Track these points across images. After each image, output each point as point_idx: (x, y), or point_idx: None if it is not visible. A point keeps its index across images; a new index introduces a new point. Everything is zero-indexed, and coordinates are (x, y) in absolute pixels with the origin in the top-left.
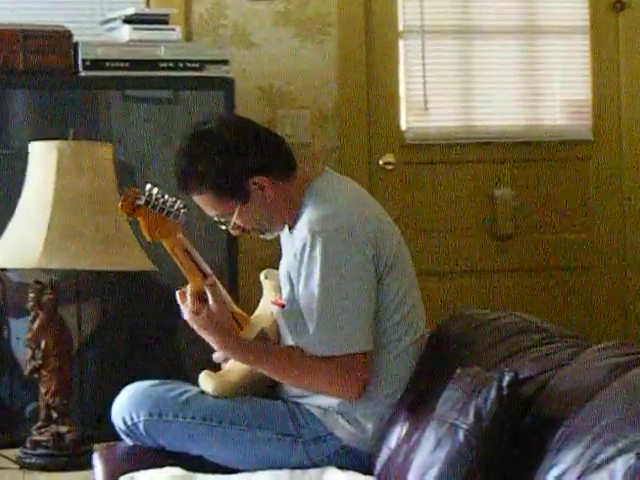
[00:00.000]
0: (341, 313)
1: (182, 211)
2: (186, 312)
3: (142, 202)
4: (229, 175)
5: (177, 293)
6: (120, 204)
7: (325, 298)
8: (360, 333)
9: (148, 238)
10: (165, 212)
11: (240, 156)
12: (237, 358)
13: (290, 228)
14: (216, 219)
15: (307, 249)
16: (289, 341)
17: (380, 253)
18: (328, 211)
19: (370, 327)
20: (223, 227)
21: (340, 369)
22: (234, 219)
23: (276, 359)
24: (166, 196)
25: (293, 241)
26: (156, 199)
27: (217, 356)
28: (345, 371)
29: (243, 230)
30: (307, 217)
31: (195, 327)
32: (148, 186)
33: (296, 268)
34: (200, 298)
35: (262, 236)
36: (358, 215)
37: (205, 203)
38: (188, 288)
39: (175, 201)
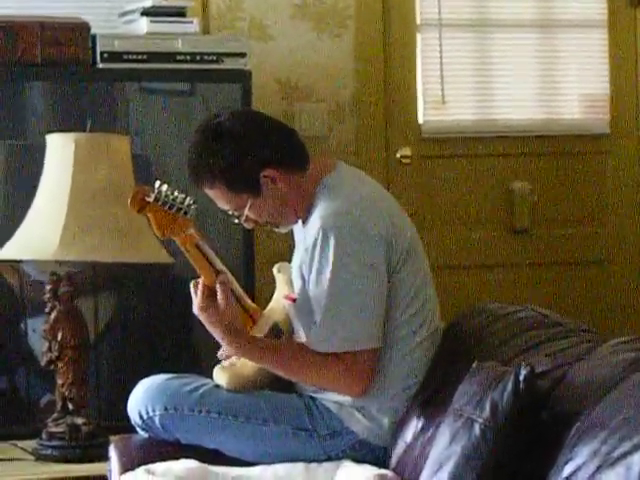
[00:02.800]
0: (348, 310)
1: (192, 207)
2: (194, 306)
3: (151, 199)
4: (240, 168)
5: (191, 283)
6: (129, 201)
7: (333, 294)
8: (366, 330)
9: (158, 235)
10: (175, 209)
11: (251, 149)
12: (243, 356)
13: (303, 222)
14: (229, 212)
15: (318, 245)
16: (301, 335)
17: (393, 248)
18: (340, 207)
19: (379, 324)
20: (236, 220)
21: (344, 366)
22: (246, 212)
23: (281, 357)
24: (176, 192)
25: (305, 235)
26: (166, 196)
27: (221, 353)
28: (349, 368)
29: (256, 223)
30: (319, 212)
31: (203, 321)
32: (157, 183)
33: (307, 263)
34: (212, 293)
35: (276, 229)
36: (371, 211)
37: (217, 197)
38: (201, 281)
39: (185, 197)
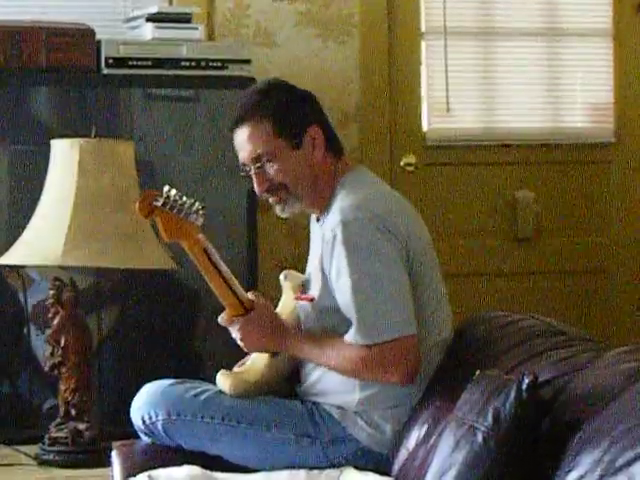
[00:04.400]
0: (382, 300)
1: (201, 212)
2: (238, 340)
3: (159, 203)
4: (291, 113)
5: (220, 320)
6: (137, 205)
7: (363, 286)
8: (403, 317)
9: (166, 239)
10: (183, 213)
11: (306, 106)
12: (290, 353)
13: (318, 220)
14: (247, 168)
15: (339, 237)
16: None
17: (408, 247)
18: (360, 200)
19: (412, 311)
20: (250, 173)
21: (389, 355)
22: (272, 163)
23: (327, 352)
24: (184, 198)
25: (324, 230)
26: (174, 200)
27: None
28: (395, 356)
29: (269, 188)
30: (339, 206)
31: (252, 346)
32: (166, 187)
33: (328, 256)
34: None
35: (278, 208)
36: (390, 207)
37: (254, 136)
38: (225, 313)
39: (193, 202)
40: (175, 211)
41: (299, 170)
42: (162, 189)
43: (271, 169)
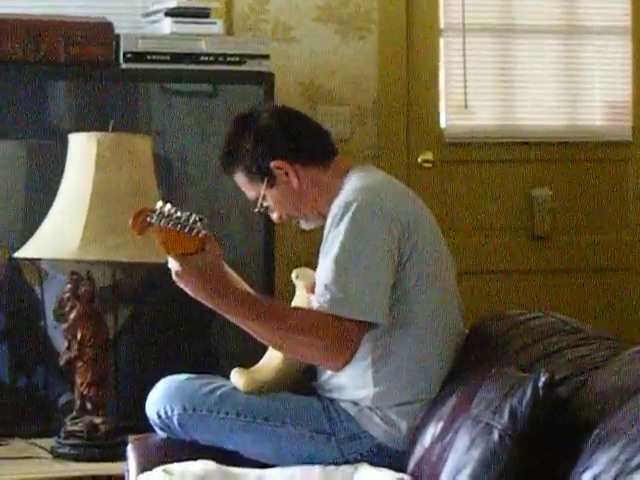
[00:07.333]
0: (357, 279)
1: (199, 224)
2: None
3: (154, 220)
4: (254, 156)
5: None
6: (130, 222)
7: (345, 260)
8: (373, 303)
9: (167, 254)
10: (180, 227)
11: (267, 139)
12: (223, 309)
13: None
14: (257, 208)
15: (338, 216)
16: None
17: (408, 236)
18: (365, 185)
19: (384, 301)
20: (258, 210)
21: (348, 333)
22: (260, 201)
23: (269, 315)
24: (179, 212)
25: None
26: (169, 215)
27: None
28: (352, 336)
29: (280, 217)
30: (344, 191)
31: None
32: (159, 203)
33: (327, 234)
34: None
35: (300, 225)
36: (393, 195)
37: (239, 183)
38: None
39: (190, 214)
40: (171, 225)
41: (290, 200)
42: (155, 205)
43: (268, 204)
